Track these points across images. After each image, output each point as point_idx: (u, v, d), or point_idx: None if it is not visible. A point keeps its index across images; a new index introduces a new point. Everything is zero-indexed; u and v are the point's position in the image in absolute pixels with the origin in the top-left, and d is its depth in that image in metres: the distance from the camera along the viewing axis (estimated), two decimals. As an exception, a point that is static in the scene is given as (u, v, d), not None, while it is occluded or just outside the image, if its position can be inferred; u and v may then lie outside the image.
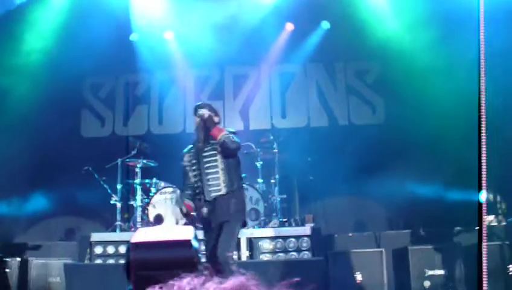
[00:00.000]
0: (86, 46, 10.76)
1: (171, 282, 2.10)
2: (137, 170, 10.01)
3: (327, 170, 10.64)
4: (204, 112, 6.34)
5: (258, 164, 10.09)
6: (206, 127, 6.27)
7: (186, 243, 4.78)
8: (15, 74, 10.72)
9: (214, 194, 6.12)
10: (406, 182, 10.34)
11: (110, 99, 12.32)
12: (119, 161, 10.12)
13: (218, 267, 5.58)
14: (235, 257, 8.78)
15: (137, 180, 9.94)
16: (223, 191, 6.13)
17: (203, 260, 5.87)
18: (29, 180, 10.88)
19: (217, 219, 6.09)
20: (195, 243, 5.01)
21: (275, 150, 10.12)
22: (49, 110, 10.97)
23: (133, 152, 10.13)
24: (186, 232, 5.26)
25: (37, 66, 10.84)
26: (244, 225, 6.41)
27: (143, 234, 5.02)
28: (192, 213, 6.34)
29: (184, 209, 6.29)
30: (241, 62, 11.88)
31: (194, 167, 6.32)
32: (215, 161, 6.20)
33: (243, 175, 10.00)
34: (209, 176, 6.17)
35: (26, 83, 10.75)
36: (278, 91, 12.21)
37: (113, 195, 10.01)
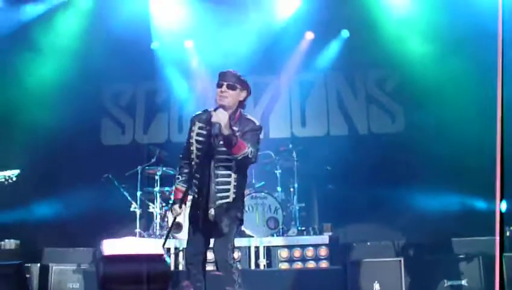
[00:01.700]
0: (106, 54, 10.84)
1: None
2: (156, 177, 10.05)
3: (346, 179, 10.63)
4: (221, 120, 4.99)
5: (277, 172, 10.09)
6: (226, 141, 5.07)
7: (159, 257, 4.61)
8: (36, 83, 10.85)
9: (219, 202, 5.22)
10: (425, 191, 10.27)
11: (130, 107, 12.40)
12: (139, 168, 10.17)
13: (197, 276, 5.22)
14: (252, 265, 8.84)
15: (157, 188, 9.98)
16: (231, 198, 5.24)
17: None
18: (51, 187, 10.95)
19: (215, 226, 5.24)
20: (168, 258, 4.83)
21: (294, 159, 10.12)
22: (70, 118, 11.04)
23: (153, 160, 10.19)
24: (157, 246, 5.02)
25: (57, 75, 10.95)
26: (241, 224, 5.70)
27: (113, 247, 4.80)
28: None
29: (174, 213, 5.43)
30: (261, 70, 11.86)
31: (200, 146, 5.32)
32: (230, 161, 5.20)
33: (262, 183, 10.14)
34: (219, 179, 5.22)
35: (46, 92, 10.86)
36: (297, 100, 12.22)
37: (133, 202, 10.06)
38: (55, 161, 11.10)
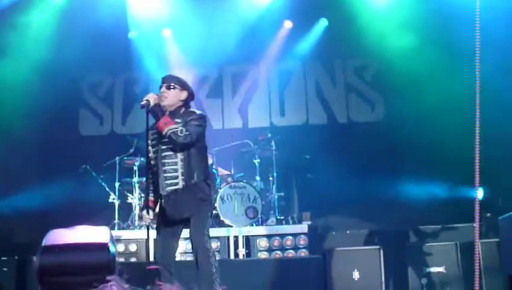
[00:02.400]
0: (83, 44, 10.75)
1: None
2: (135, 168, 10.00)
3: (325, 167, 10.63)
4: (151, 99, 5.36)
5: (256, 161, 10.07)
6: (154, 116, 5.39)
7: (103, 246, 4.41)
8: (12, 73, 10.73)
9: (168, 188, 5.37)
10: (403, 180, 10.33)
11: (108, 98, 12.30)
12: (117, 159, 10.10)
13: (164, 272, 5.25)
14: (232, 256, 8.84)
15: (135, 179, 9.92)
16: (180, 185, 5.36)
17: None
18: (28, 179, 10.85)
19: (172, 215, 5.39)
20: (111, 247, 4.64)
21: (273, 148, 10.11)
22: (47, 108, 10.96)
23: (131, 150, 10.12)
24: (103, 234, 4.89)
25: (35, 65, 10.83)
26: (216, 217, 5.76)
27: (55, 236, 4.62)
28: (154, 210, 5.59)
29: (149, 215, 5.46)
30: (239, 60, 11.86)
31: (154, 149, 5.53)
32: (174, 149, 5.38)
33: (241, 174, 10.12)
34: (166, 167, 5.39)
35: (24, 82, 10.75)
36: (276, 89, 12.19)
37: (111, 193, 10.01)
38: (32, 152, 10.99)
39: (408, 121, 10.71)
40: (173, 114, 5.47)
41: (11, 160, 10.66)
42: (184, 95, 5.61)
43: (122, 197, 10.17)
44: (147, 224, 5.50)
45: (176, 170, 5.39)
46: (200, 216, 5.41)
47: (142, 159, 9.92)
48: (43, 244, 4.38)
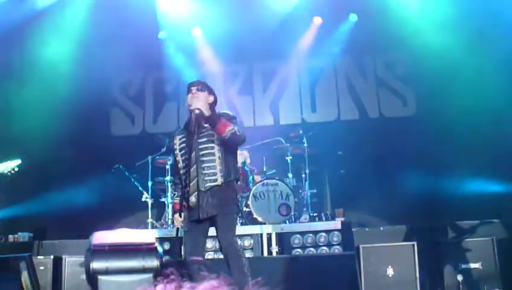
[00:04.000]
0: (114, 45, 10.83)
1: None
2: (167, 167, 10.03)
3: (358, 163, 10.57)
4: (196, 106, 5.57)
5: (288, 158, 10.04)
6: (211, 122, 5.58)
7: (151, 246, 4.52)
8: (43, 75, 10.86)
9: (209, 184, 5.54)
10: (437, 175, 10.20)
11: (139, 97, 12.39)
12: (149, 158, 10.16)
13: (190, 271, 5.33)
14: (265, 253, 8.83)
15: (168, 178, 9.96)
16: (219, 181, 5.56)
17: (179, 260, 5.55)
18: (61, 179, 10.97)
19: (208, 211, 5.52)
20: (159, 247, 4.77)
21: (305, 145, 10.07)
22: (79, 109, 11.06)
23: (163, 149, 10.15)
24: (149, 235, 5.03)
25: (65, 66, 10.95)
26: (249, 214, 5.90)
27: (102, 237, 4.71)
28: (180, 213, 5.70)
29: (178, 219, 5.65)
30: (269, 57, 11.85)
31: (183, 152, 5.70)
32: (212, 148, 5.61)
33: (273, 171, 10.11)
34: (205, 164, 5.58)
35: (55, 84, 10.86)
36: (307, 85, 12.15)
37: (144, 192, 10.06)
38: (65, 152, 11.11)
39: (440, 115, 10.58)
40: (206, 117, 5.63)
41: (45, 161, 10.79)
42: (211, 99, 5.78)
43: (155, 196, 10.22)
44: (179, 227, 5.65)
45: (214, 167, 5.58)
46: (231, 215, 5.59)
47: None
48: (92, 243, 4.46)
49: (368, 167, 10.54)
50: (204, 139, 5.64)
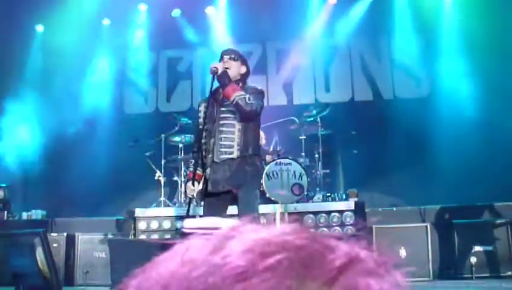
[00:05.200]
0: (126, 22, 10.82)
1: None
2: (180, 145, 10.04)
3: (371, 144, 10.52)
4: (219, 67, 5.31)
5: (302, 138, 10.01)
6: (222, 83, 5.34)
7: None
8: (58, 54, 10.89)
9: (223, 156, 5.32)
10: (452, 156, 10.13)
11: (152, 76, 12.37)
12: (162, 136, 10.16)
13: None
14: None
15: (181, 156, 9.96)
16: (235, 154, 5.31)
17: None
18: (75, 157, 11.02)
19: (222, 185, 5.34)
20: None
21: (319, 124, 10.04)
22: (92, 87, 11.08)
23: (176, 128, 10.15)
24: (232, 222, 4.97)
25: (78, 45, 10.98)
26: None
27: (193, 224, 4.75)
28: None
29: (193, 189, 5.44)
30: (283, 36, 11.78)
31: (207, 120, 5.47)
32: (234, 118, 5.35)
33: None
34: (223, 135, 5.34)
35: (68, 62, 10.90)
36: (321, 65, 12.07)
37: (157, 171, 10.07)
38: (78, 131, 11.14)
39: (454, 96, 10.52)
40: (218, 75, 5.38)
41: (58, 139, 10.85)
42: (244, 69, 5.59)
43: (168, 174, 10.24)
44: (191, 196, 5.50)
45: (232, 139, 5.33)
46: (250, 191, 5.35)
47: (188, 137, 9.95)
48: (183, 229, 4.54)
49: (381, 148, 10.50)
50: (226, 109, 5.40)
